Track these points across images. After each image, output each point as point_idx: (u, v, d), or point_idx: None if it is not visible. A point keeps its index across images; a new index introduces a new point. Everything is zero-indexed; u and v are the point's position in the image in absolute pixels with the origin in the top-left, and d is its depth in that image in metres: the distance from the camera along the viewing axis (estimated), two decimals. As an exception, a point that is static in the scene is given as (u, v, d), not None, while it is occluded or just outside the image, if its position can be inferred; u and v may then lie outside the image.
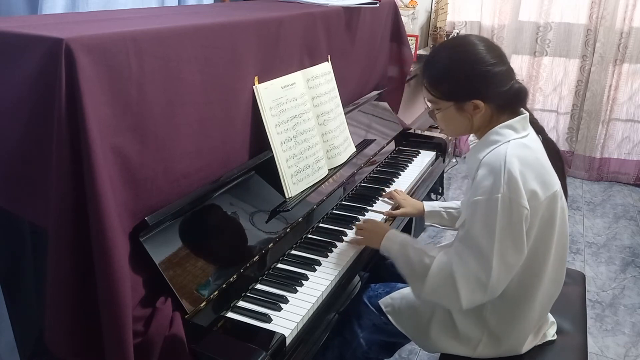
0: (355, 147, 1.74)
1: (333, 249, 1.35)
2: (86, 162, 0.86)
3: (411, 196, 1.68)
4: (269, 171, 1.37)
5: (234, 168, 1.29)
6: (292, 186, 1.41)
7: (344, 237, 1.40)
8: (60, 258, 0.91)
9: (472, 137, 1.30)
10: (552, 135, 3.60)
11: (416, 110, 2.95)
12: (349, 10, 1.78)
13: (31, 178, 0.96)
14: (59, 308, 0.93)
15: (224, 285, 1.12)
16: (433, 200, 2.59)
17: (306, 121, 1.49)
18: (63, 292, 0.92)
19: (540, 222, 1.11)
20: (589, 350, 1.36)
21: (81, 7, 1.51)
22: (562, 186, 1.18)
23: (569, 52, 3.47)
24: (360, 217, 1.52)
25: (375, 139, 1.91)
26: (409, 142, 2.13)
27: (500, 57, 1.16)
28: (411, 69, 2.34)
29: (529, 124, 1.19)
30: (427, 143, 2.10)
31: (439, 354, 1.32)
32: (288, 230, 1.34)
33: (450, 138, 2.12)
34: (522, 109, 1.20)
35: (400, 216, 1.59)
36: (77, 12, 1.50)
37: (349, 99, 1.87)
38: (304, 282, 1.21)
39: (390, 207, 1.62)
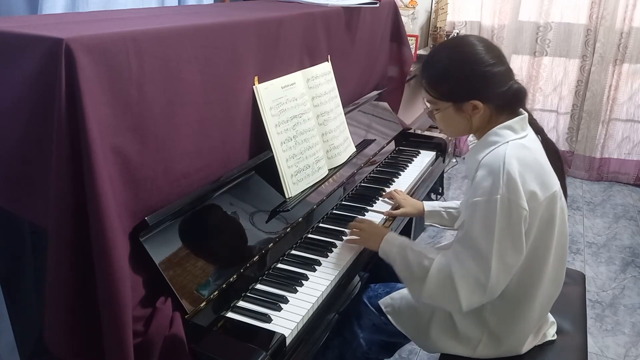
0: (355, 147, 1.74)
1: (333, 249, 1.35)
2: (86, 162, 0.86)
3: (411, 196, 1.68)
4: (269, 171, 1.37)
5: (234, 168, 1.29)
6: (292, 186, 1.41)
7: (344, 237, 1.40)
8: (60, 258, 0.91)
9: (471, 137, 1.30)
10: (552, 135, 3.61)
11: (416, 110, 2.95)
12: (349, 10, 1.78)
13: (31, 178, 0.96)
14: (59, 308, 0.93)
15: (224, 285, 1.12)
16: (433, 200, 2.59)
17: (306, 121, 1.49)
18: (63, 292, 0.92)
19: (540, 223, 1.11)
20: (589, 350, 1.36)
21: (81, 7, 1.51)
22: (562, 186, 1.18)
23: (569, 52, 3.47)
24: (360, 217, 1.52)
25: (375, 139, 1.91)
26: (409, 142, 2.13)
27: (499, 58, 1.16)
28: (411, 69, 2.34)
29: (528, 125, 1.19)
30: (427, 143, 2.10)
31: (439, 354, 1.32)
32: (288, 230, 1.34)
33: (450, 138, 2.12)
34: (521, 109, 1.19)
35: (400, 216, 1.59)
36: (77, 12, 1.50)
37: (349, 99, 1.87)
38: (304, 282, 1.21)
39: (390, 207, 1.62)
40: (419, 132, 2.18)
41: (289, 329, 1.06)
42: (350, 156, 1.69)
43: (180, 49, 1.08)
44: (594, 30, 3.34)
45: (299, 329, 1.09)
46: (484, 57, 1.13)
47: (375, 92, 2.10)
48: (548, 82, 3.59)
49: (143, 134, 1.01)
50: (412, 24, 3.25)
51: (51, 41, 0.85)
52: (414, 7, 3.21)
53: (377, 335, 1.44)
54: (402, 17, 2.29)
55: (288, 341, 1.04)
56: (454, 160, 3.68)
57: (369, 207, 1.58)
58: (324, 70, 1.63)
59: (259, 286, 1.20)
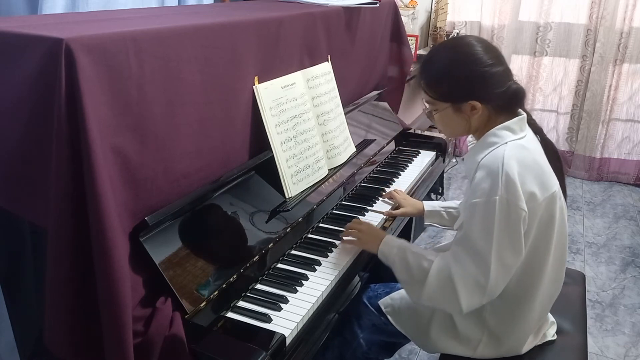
0: (355, 147, 1.74)
1: (333, 249, 1.35)
2: (86, 162, 0.86)
3: (411, 196, 1.68)
4: (269, 171, 1.37)
5: (234, 168, 1.29)
6: (292, 186, 1.41)
7: (343, 238, 1.40)
8: (60, 258, 0.91)
9: (470, 137, 1.30)
10: (552, 135, 3.62)
11: (416, 110, 2.95)
12: (349, 10, 1.78)
13: (31, 178, 0.96)
14: (58, 308, 0.93)
15: (224, 285, 1.12)
16: (433, 200, 2.59)
17: (306, 121, 1.49)
18: (63, 292, 0.92)
19: (539, 223, 1.12)
20: (589, 350, 1.36)
21: (81, 7, 1.51)
22: (561, 186, 1.18)
23: (569, 52, 3.47)
24: (360, 217, 1.52)
25: (375, 139, 1.91)
26: (409, 142, 2.13)
27: (498, 58, 1.16)
28: (411, 69, 2.34)
29: (527, 125, 1.19)
30: (427, 143, 2.10)
31: (439, 354, 1.32)
32: (288, 230, 1.34)
33: (449, 138, 2.12)
34: (519, 109, 1.19)
35: (400, 216, 1.59)
36: (77, 12, 1.50)
37: (349, 99, 1.87)
38: (304, 282, 1.21)
39: (390, 207, 1.62)
40: (419, 132, 2.18)
41: (289, 329, 1.06)
42: (350, 156, 1.69)
43: (180, 49, 1.08)
44: (594, 30, 3.35)
45: (299, 329, 1.09)
46: (482, 57, 1.13)
47: (375, 92, 2.10)
48: (548, 82, 3.59)
49: (143, 134, 1.01)
50: (412, 24, 3.25)
51: (51, 41, 0.85)
52: (414, 7, 3.21)
53: (377, 336, 1.44)
54: (402, 17, 2.29)
55: (288, 341, 1.04)
56: (454, 160, 3.68)
57: (369, 207, 1.58)
58: (324, 70, 1.63)
59: (259, 286, 1.20)
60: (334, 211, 1.55)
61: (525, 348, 1.26)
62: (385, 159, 1.94)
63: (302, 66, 1.54)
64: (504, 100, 1.16)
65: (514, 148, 1.11)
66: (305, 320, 1.11)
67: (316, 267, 1.27)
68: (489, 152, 1.13)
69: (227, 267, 1.15)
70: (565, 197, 1.21)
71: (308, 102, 1.52)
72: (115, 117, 0.94)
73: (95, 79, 0.88)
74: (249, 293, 1.17)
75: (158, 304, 1.00)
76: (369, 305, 1.43)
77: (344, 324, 1.46)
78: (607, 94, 3.43)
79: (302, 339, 1.09)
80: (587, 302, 1.96)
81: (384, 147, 1.94)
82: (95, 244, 0.88)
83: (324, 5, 1.71)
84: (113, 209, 0.89)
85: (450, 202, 1.58)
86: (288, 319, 1.09)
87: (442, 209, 1.56)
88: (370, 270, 1.58)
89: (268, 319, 1.08)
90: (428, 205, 1.59)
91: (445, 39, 3.19)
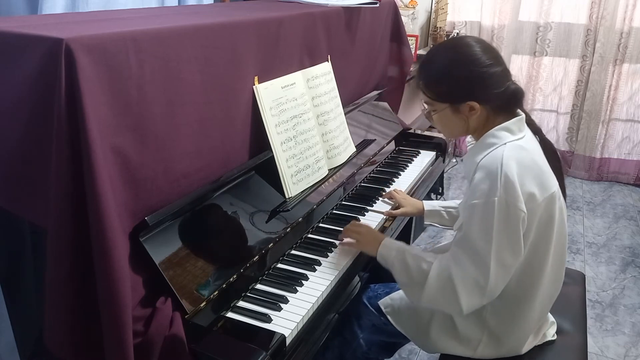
0: (355, 147, 1.74)
1: (333, 249, 1.35)
2: (86, 162, 0.86)
3: (411, 196, 1.68)
4: (269, 171, 1.37)
5: (234, 168, 1.29)
6: (292, 186, 1.41)
7: (343, 240, 1.40)
8: (60, 258, 0.91)
9: (469, 138, 1.30)
10: (552, 135, 3.62)
11: (416, 110, 2.95)
12: (349, 10, 1.78)
13: (31, 178, 0.96)
14: (59, 308, 0.93)
15: (224, 285, 1.12)
16: (433, 200, 2.59)
17: (306, 121, 1.49)
18: (63, 292, 0.92)
19: (539, 224, 1.12)
20: (589, 350, 1.36)
21: (81, 7, 1.51)
22: (560, 186, 1.18)
23: (569, 52, 3.47)
24: (360, 217, 1.52)
25: (375, 139, 1.91)
26: (409, 142, 2.13)
27: (496, 59, 1.16)
28: (411, 69, 2.34)
29: (526, 125, 1.19)
30: (427, 143, 2.10)
31: (439, 354, 1.32)
32: (288, 230, 1.34)
33: (449, 139, 2.12)
34: (518, 110, 1.19)
35: (400, 216, 1.59)
36: (77, 12, 1.50)
37: (349, 99, 1.87)
38: (304, 282, 1.21)
39: (390, 207, 1.62)
40: (419, 132, 2.18)
41: (289, 329, 1.06)
42: (350, 156, 1.69)
43: (180, 49, 1.08)
44: (594, 30, 3.34)
45: (299, 329, 1.09)
46: (480, 58, 1.13)
47: (375, 92, 2.10)
48: (548, 82, 3.59)
49: (143, 134, 1.01)
50: (412, 24, 3.25)
51: (51, 41, 0.85)
52: (414, 7, 3.21)
53: (377, 336, 1.44)
54: (402, 17, 2.29)
55: (288, 341, 1.04)
56: (454, 160, 3.68)
57: (368, 207, 1.58)
58: (324, 70, 1.63)
59: (259, 286, 1.20)
60: (334, 211, 1.55)
61: (525, 348, 1.26)
62: (385, 159, 1.94)
63: (302, 66, 1.54)
64: (503, 100, 1.16)
65: (512, 149, 1.11)
66: (305, 320, 1.11)
67: (316, 267, 1.27)
68: (487, 153, 1.13)
69: (227, 267, 1.15)
70: (565, 197, 1.21)
71: (308, 102, 1.52)
72: (115, 117, 0.94)
73: (95, 79, 0.88)
74: (249, 293, 1.17)
75: (158, 304, 1.00)
76: (368, 305, 1.43)
77: (344, 324, 1.46)
78: (607, 94, 3.43)
79: (302, 339, 1.09)
80: (587, 302, 1.96)
81: (384, 147, 1.94)
82: (95, 244, 0.88)
83: (324, 5, 1.71)
84: (113, 209, 0.89)
85: (450, 201, 1.58)
86: (288, 319, 1.09)
87: (442, 209, 1.56)
88: (370, 271, 1.58)
89: (268, 319, 1.08)
90: (428, 204, 1.59)
91: (445, 39, 3.19)
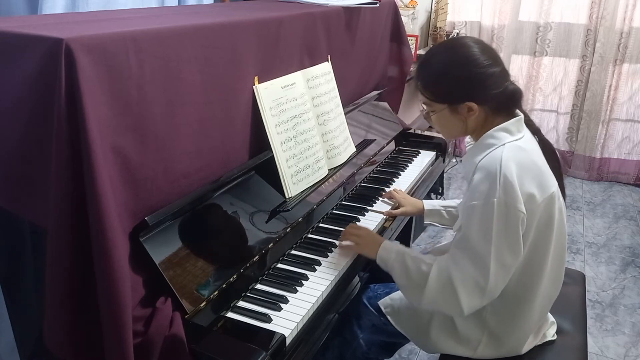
0: (355, 147, 1.74)
1: (333, 249, 1.35)
2: (86, 162, 0.86)
3: (411, 196, 1.68)
4: (269, 171, 1.37)
5: (234, 168, 1.30)
6: (292, 186, 1.41)
7: (342, 242, 1.40)
8: (60, 258, 0.91)
9: (468, 139, 1.30)
10: (552, 135, 3.62)
11: (416, 110, 2.95)
12: (349, 10, 1.78)
13: (31, 178, 0.96)
14: (58, 308, 0.93)
15: (224, 285, 1.12)
16: (433, 200, 2.59)
17: (306, 121, 1.49)
18: (63, 292, 0.92)
19: (538, 224, 1.11)
20: (589, 350, 1.36)
21: (81, 7, 1.51)
22: (560, 186, 1.18)
23: (569, 52, 3.47)
24: (360, 217, 1.52)
25: (375, 139, 1.91)
26: (409, 142, 2.13)
27: (495, 59, 1.15)
28: (411, 69, 2.34)
29: (524, 126, 1.19)
30: (427, 143, 2.10)
31: (439, 354, 1.32)
32: (288, 230, 1.34)
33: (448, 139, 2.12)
34: (517, 110, 1.19)
35: (400, 215, 1.59)
36: (77, 12, 1.50)
37: (349, 99, 1.87)
38: (304, 282, 1.21)
39: (390, 207, 1.61)
40: (419, 132, 2.18)
41: (289, 329, 1.06)
42: (350, 156, 1.69)
43: (180, 49, 1.08)
44: (594, 30, 3.34)
45: (299, 329, 1.09)
46: (478, 58, 1.13)
47: (375, 92, 2.10)
48: (548, 82, 3.59)
49: (143, 134, 1.01)
50: (412, 24, 3.25)
51: (51, 41, 0.85)
52: (414, 7, 3.21)
53: (376, 336, 1.44)
54: (402, 17, 2.29)
55: (288, 341, 1.04)
56: (454, 160, 3.68)
57: (369, 207, 1.58)
58: (324, 70, 1.63)
59: (259, 286, 1.20)
60: (334, 211, 1.55)
61: (525, 348, 1.26)
62: (385, 159, 1.94)
63: (302, 66, 1.54)
64: (501, 101, 1.16)
65: (511, 149, 1.11)
66: (305, 320, 1.11)
67: (316, 267, 1.27)
68: (486, 154, 1.13)
69: (227, 267, 1.15)
70: (564, 197, 1.21)
71: (308, 102, 1.52)
72: (115, 117, 0.94)
73: (95, 79, 0.88)
74: (249, 293, 1.17)
75: (158, 304, 1.00)
76: (368, 305, 1.43)
77: (344, 324, 1.46)
78: (607, 94, 3.43)
79: (302, 339, 1.09)
80: (587, 302, 1.96)
81: (384, 147, 1.94)
82: (95, 244, 0.88)
83: (324, 5, 1.71)
84: (113, 209, 0.89)
85: (450, 201, 1.58)
86: (288, 319, 1.09)
87: (442, 208, 1.56)
88: (370, 271, 1.58)
89: (268, 319, 1.08)
90: (428, 204, 1.59)
91: (446, 39, 3.19)
